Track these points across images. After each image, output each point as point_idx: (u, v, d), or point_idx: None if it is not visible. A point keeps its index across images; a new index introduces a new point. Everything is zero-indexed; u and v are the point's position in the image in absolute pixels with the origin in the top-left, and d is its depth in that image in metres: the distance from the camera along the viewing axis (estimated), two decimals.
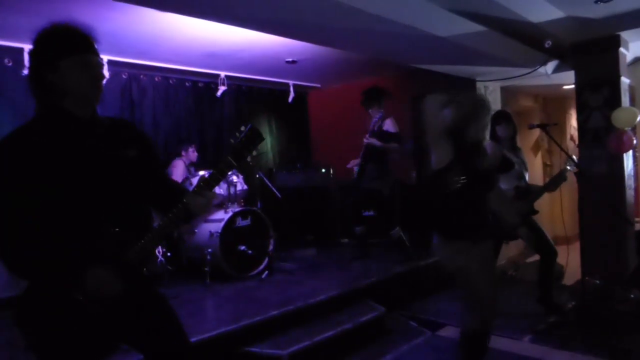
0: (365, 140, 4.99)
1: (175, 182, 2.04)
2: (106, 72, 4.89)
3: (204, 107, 6.26)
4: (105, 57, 4.86)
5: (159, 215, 1.73)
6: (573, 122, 6.76)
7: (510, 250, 5.77)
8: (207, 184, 1.68)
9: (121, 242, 1.58)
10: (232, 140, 1.67)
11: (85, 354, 1.56)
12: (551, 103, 7.37)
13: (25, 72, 4.29)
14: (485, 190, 2.63)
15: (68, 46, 1.56)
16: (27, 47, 4.25)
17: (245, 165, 1.75)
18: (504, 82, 5.84)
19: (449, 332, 3.80)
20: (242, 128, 1.68)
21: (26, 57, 4.26)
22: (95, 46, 1.62)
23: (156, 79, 5.76)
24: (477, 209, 2.57)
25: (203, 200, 1.66)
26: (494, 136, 3.90)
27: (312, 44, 4.36)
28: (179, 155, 5.44)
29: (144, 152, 1.74)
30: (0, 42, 4.25)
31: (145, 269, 1.68)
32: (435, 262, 5.07)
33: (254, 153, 1.71)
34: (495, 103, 5.93)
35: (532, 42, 4.83)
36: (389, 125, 4.94)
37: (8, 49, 4.34)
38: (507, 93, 6.11)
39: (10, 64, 4.49)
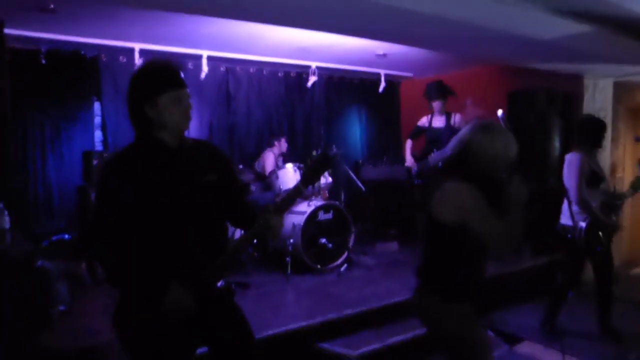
0: None
1: (250, 204, 2.14)
2: (205, 67, 5.20)
3: (295, 97, 6.40)
4: (205, 53, 5.17)
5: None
6: None
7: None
8: (279, 209, 1.79)
9: (199, 262, 1.76)
10: (304, 165, 1.78)
11: (168, 354, 1.76)
12: None
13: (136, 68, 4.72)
14: None
15: (165, 83, 1.73)
16: (138, 46, 4.73)
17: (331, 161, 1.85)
18: (617, 77, 5.30)
19: (527, 348, 3.64)
20: (314, 153, 1.79)
21: (136, 55, 4.70)
22: (184, 79, 1.78)
23: (251, 70, 5.99)
24: None
25: (274, 226, 1.77)
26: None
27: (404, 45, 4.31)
28: (271, 145, 5.67)
29: (224, 174, 1.90)
30: (115, 43, 4.72)
31: (219, 284, 1.85)
32: (522, 269, 4.85)
33: (325, 175, 1.80)
34: (606, 101, 5.41)
35: None
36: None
37: (122, 48, 4.81)
38: (621, 89, 5.51)
39: (124, 61, 4.98)
